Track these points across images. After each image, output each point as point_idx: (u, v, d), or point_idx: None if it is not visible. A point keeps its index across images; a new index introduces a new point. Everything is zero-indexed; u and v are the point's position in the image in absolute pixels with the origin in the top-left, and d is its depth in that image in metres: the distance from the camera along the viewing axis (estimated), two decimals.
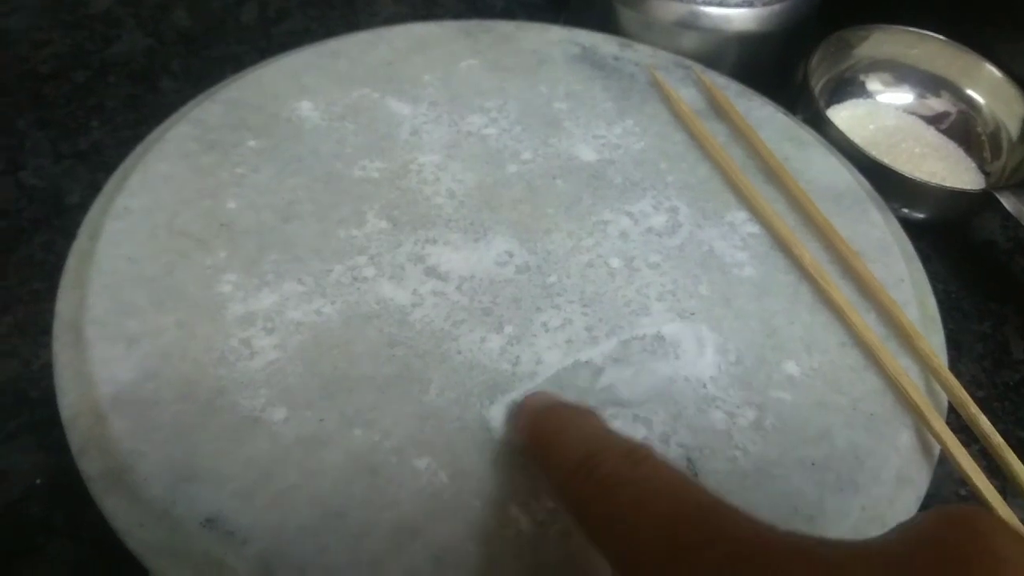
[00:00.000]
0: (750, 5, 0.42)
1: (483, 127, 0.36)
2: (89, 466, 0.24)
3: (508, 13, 0.51)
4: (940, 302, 0.32)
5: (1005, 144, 0.42)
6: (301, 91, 0.36)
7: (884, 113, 0.44)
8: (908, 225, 0.35)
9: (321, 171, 0.33)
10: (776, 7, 0.42)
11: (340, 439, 0.25)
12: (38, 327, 0.33)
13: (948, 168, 0.42)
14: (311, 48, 0.38)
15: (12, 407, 0.30)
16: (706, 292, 0.30)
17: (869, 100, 0.45)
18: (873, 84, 0.45)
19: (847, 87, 0.45)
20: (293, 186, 0.32)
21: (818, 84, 0.42)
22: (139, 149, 0.33)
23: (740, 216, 0.33)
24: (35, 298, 0.34)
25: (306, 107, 0.35)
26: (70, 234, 0.35)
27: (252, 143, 0.33)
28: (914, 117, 0.44)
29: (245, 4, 0.49)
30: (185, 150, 0.33)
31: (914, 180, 0.37)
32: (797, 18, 0.43)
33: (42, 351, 0.32)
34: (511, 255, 0.31)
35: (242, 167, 0.32)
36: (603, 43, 0.41)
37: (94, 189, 0.38)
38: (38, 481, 0.29)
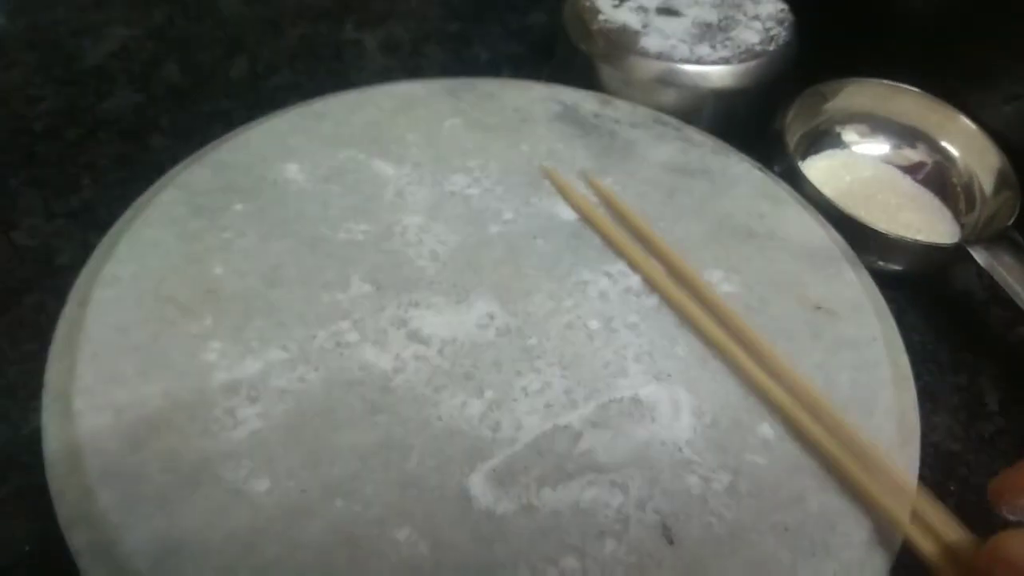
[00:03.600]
0: (726, 62, 0.43)
1: (466, 187, 0.37)
2: (77, 539, 0.24)
3: (493, 65, 0.52)
4: (915, 354, 0.32)
5: (978, 196, 0.43)
6: (288, 153, 0.37)
7: (861, 164, 0.45)
8: (884, 277, 0.36)
9: (306, 234, 0.33)
10: (752, 63, 0.43)
11: (322, 510, 0.25)
12: (28, 390, 0.33)
13: (924, 219, 0.43)
14: (298, 109, 0.39)
15: (2, 472, 0.31)
16: (683, 353, 0.31)
17: (846, 151, 0.46)
18: (849, 135, 0.46)
19: (824, 138, 0.46)
20: (279, 250, 0.33)
21: (794, 137, 0.43)
22: (128, 214, 0.34)
23: (716, 275, 0.34)
24: (25, 359, 0.34)
25: (292, 169, 0.36)
26: (60, 295, 0.36)
27: (239, 207, 0.34)
28: (890, 167, 0.45)
29: (235, 58, 0.50)
30: (173, 215, 0.33)
31: (888, 236, 0.38)
32: (773, 74, 0.44)
33: (32, 415, 0.32)
34: (492, 317, 0.31)
35: (229, 231, 0.33)
36: (584, 100, 0.42)
37: (85, 249, 0.38)
38: (27, 548, 0.29)
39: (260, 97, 0.48)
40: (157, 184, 0.35)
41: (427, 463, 0.27)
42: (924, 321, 0.40)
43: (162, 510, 0.25)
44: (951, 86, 0.45)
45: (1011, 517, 0.26)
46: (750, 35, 0.45)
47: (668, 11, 0.46)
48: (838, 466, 0.27)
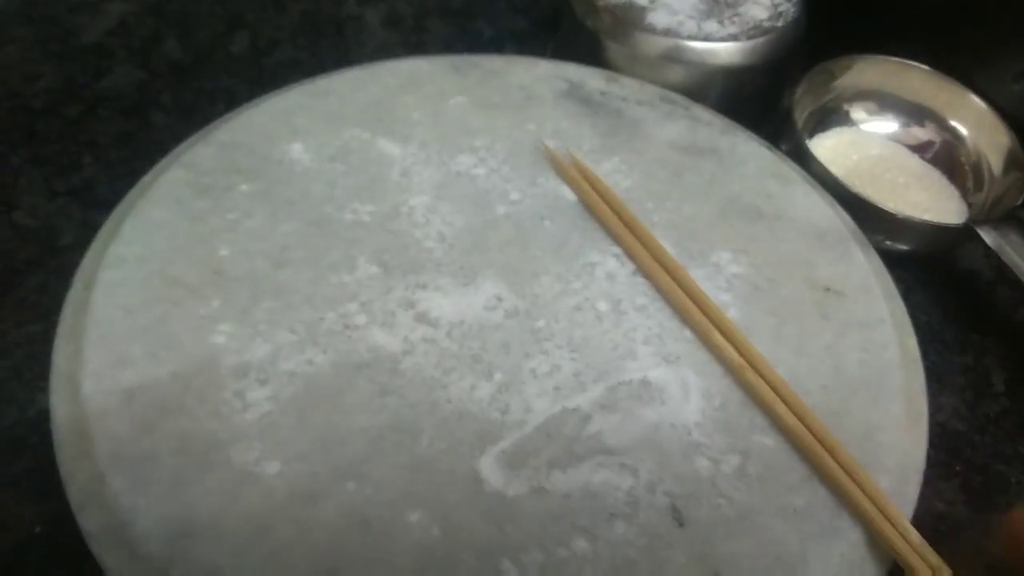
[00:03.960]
0: (735, 39, 0.42)
1: (472, 167, 0.36)
2: (89, 522, 0.24)
3: (497, 40, 0.52)
4: (922, 334, 0.33)
5: (987, 176, 0.42)
6: (292, 132, 0.36)
7: (868, 142, 0.45)
8: (891, 257, 0.36)
9: (313, 215, 0.33)
10: (760, 40, 0.43)
11: (333, 493, 0.25)
12: (34, 372, 0.33)
13: (931, 198, 0.43)
14: (302, 87, 0.39)
15: (11, 453, 0.31)
16: (691, 335, 0.31)
17: (853, 129, 0.46)
18: (857, 113, 0.46)
19: (832, 116, 0.46)
20: (285, 231, 0.32)
21: (802, 115, 0.43)
22: (132, 193, 0.33)
23: (725, 256, 0.34)
24: (30, 341, 0.34)
25: (297, 149, 0.35)
26: (64, 276, 0.36)
27: (244, 187, 0.34)
28: (898, 145, 0.45)
29: (236, 34, 0.50)
30: (178, 195, 0.33)
31: (896, 215, 0.38)
32: (781, 51, 0.44)
33: (39, 396, 0.32)
34: (500, 299, 0.31)
35: (234, 212, 0.33)
36: (590, 78, 0.41)
37: (87, 228, 0.38)
38: (38, 530, 0.29)
39: (262, 74, 0.47)
40: (161, 163, 0.34)
41: (437, 446, 0.27)
42: (931, 301, 0.40)
43: (174, 493, 0.25)
44: (961, 64, 0.45)
45: None
46: (758, 11, 0.44)
47: None
48: (827, 475, 0.27)
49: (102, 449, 0.26)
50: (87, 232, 0.38)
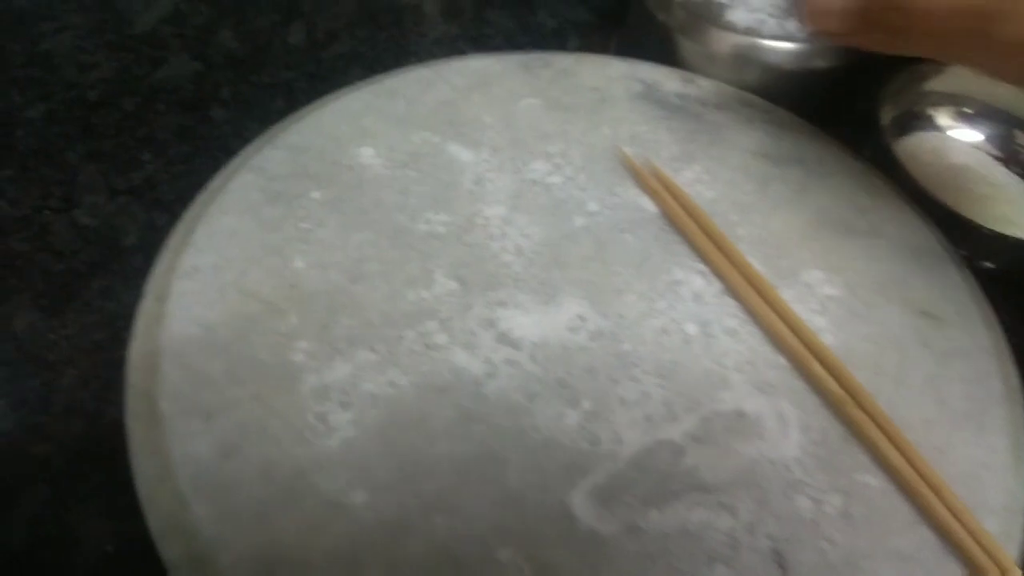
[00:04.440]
0: (818, 38, 0.40)
1: (547, 175, 0.35)
2: (170, 552, 0.24)
3: (560, 33, 0.50)
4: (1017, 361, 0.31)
5: None
6: (361, 135, 0.35)
7: (951, 149, 0.43)
8: (976, 272, 0.34)
9: (386, 225, 0.32)
10: None
11: (422, 526, 0.24)
12: (101, 380, 0.32)
13: (1016, 211, 0.41)
14: (368, 87, 0.37)
15: (81, 468, 0.30)
16: (785, 362, 0.30)
17: (936, 134, 0.44)
18: (943, 118, 0.44)
19: (912, 120, 0.44)
20: (359, 242, 0.31)
21: (886, 119, 0.41)
22: (202, 198, 0.32)
23: (817, 276, 0.32)
24: (97, 348, 0.33)
25: (367, 154, 0.34)
26: (128, 279, 0.35)
27: (315, 194, 0.33)
28: (982, 154, 0.43)
29: (292, 24, 0.48)
30: (249, 201, 0.32)
31: (983, 230, 0.36)
32: (865, 52, 0.42)
33: (108, 407, 0.31)
34: (583, 319, 0.30)
35: (307, 221, 0.32)
36: (665, 79, 0.40)
37: (151, 230, 0.38)
38: (109, 549, 0.29)
39: (321, 67, 0.46)
40: (230, 166, 0.33)
41: (526, 478, 0.26)
42: (1016, 319, 0.39)
43: (259, 522, 0.24)
44: None
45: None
46: None
47: None
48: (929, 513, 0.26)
49: (183, 473, 0.25)
50: (151, 233, 0.37)
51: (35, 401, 0.32)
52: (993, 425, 0.29)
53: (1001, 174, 0.42)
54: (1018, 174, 0.42)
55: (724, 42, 0.41)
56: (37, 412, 0.31)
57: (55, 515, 0.29)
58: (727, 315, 0.31)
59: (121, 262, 0.36)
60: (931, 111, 0.44)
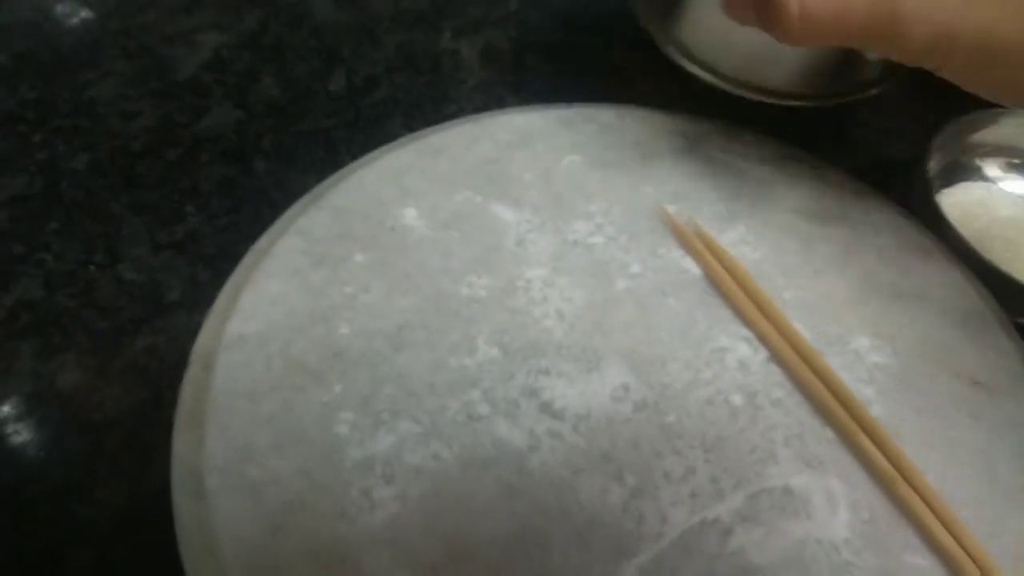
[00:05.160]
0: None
1: (589, 235, 0.35)
2: None
3: (600, 74, 0.50)
4: None
5: None
6: (404, 195, 0.35)
7: (999, 201, 0.42)
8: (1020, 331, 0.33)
9: (430, 290, 0.32)
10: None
11: None
12: (146, 444, 0.32)
13: None
14: (412, 143, 0.37)
15: (126, 533, 0.30)
16: (833, 436, 0.29)
17: (981, 184, 0.43)
18: (991, 169, 0.43)
19: (958, 171, 0.43)
20: (403, 308, 0.31)
21: (934, 170, 0.40)
22: (247, 260, 0.33)
23: (864, 343, 0.32)
24: (140, 408, 0.34)
25: (410, 215, 0.34)
26: (172, 337, 0.35)
27: (359, 257, 0.33)
28: None
29: (333, 72, 0.49)
30: (294, 265, 0.32)
31: None
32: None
33: (151, 475, 0.32)
34: (627, 389, 0.30)
35: (351, 286, 0.32)
36: (708, 132, 0.39)
37: (194, 285, 0.38)
38: None
39: (359, 115, 0.46)
40: (274, 228, 0.34)
41: (570, 558, 0.26)
42: None
43: None
44: None
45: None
46: None
47: None
48: None
49: (229, 551, 0.25)
50: (194, 289, 0.38)
51: (81, 463, 0.32)
52: None
53: None
54: None
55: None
56: (83, 474, 0.32)
57: None
58: (774, 385, 0.30)
59: (164, 319, 0.36)
60: (979, 161, 0.43)
